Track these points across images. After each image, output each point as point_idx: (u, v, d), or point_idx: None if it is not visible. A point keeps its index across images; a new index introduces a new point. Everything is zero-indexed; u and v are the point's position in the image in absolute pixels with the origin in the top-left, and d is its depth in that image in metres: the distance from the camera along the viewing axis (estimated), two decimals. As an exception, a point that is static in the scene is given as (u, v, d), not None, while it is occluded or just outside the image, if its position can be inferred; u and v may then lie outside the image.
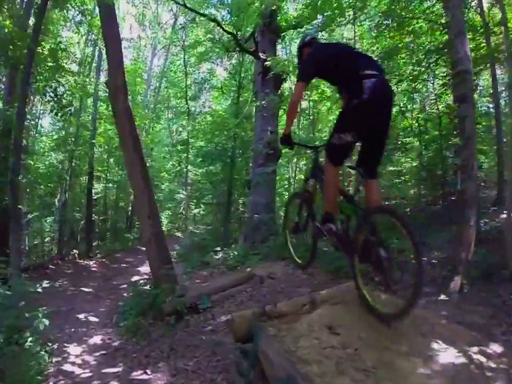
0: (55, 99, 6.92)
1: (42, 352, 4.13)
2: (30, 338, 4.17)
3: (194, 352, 3.66)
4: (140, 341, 4.47)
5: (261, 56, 9.77)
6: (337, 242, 2.44)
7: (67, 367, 4.11)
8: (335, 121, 2.34)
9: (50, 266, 9.34)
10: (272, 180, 10.18)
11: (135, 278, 8.44)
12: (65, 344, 4.62)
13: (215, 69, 15.11)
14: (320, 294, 2.95)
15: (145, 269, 9.75)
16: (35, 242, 15.34)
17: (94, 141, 11.37)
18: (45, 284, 7.03)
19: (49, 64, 6.58)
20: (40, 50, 6.39)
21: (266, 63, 9.82)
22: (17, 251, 6.27)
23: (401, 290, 2.20)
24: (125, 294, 6.88)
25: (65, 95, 7.61)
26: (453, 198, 10.63)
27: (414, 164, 12.32)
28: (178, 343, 3.99)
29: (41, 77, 6.67)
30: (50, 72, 6.68)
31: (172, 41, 14.44)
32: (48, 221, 15.78)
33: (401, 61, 11.52)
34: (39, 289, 5.97)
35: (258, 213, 9.15)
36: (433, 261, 6.06)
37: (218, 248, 9.75)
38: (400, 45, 11.46)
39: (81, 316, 5.77)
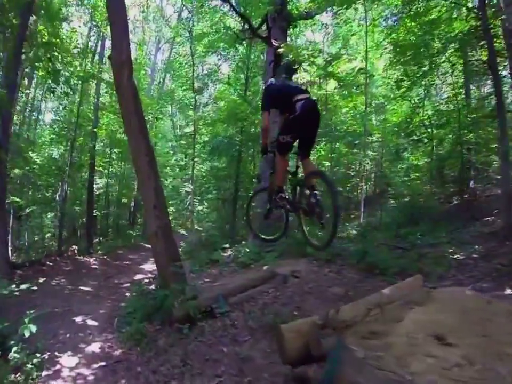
0: (52, 77, 6.12)
1: (29, 365, 3.37)
2: (14, 348, 3.41)
3: (215, 368, 2.89)
4: (146, 350, 3.70)
5: (274, 43, 9.02)
6: (288, 204, 3.26)
7: (59, 383, 3.33)
8: (280, 130, 3.19)
9: (48, 262, 8.53)
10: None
11: (138, 277, 7.65)
12: (58, 354, 3.83)
13: (221, 64, 14.34)
14: (383, 293, 2.24)
15: (149, 266, 8.98)
16: (35, 238, 14.56)
17: (95, 129, 10.50)
18: (37, 282, 6.27)
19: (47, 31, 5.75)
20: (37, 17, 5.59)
21: (279, 49, 9.09)
22: (3, 241, 5.45)
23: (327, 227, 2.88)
24: (128, 294, 6.10)
25: (62, 70, 6.78)
26: (466, 196, 10.11)
27: (421, 163, 11.78)
28: (193, 356, 3.21)
29: (37, 46, 5.86)
30: (47, 43, 5.86)
31: (177, 31, 13.63)
32: (49, 216, 14.98)
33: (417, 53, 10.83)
34: (33, 288, 5.25)
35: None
36: (474, 255, 5.38)
37: (227, 245, 8.99)
38: (417, 35, 10.80)
39: (78, 319, 4.97)
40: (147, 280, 6.93)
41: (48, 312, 5.23)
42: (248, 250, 7.50)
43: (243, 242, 8.73)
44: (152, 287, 4.98)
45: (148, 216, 4.97)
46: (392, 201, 11.58)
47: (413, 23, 10.34)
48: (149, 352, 3.63)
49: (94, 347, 4.08)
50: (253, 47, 12.72)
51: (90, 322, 4.87)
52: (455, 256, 5.49)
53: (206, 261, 7.85)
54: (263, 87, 3.63)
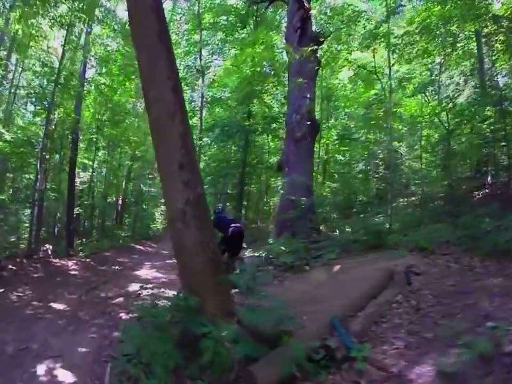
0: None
1: None
2: None
3: None
4: None
5: (305, 4, 7.07)
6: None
7: None
8: (220, 242, 4.62)
9: (10, 266, 5.93)
10: (310, 157, 7.46)
11: (133, 287, 5.16)
12: None
13: (228, 40, 12.36)
14: None
15: (146, 272, 6.55)
16: (12, 239, 11.63)
17: (80, 90, 7.77)
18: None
19: None
20: None
21: (310, 12, 7.17)
22: None
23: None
24: (123, 315, 3.74)
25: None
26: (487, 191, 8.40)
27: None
28: None
29: None
30: None
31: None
32: (26, 214, 12.12)
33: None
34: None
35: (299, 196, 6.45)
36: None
37: (244, 245, 6.84)
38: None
39: (41, 368, 2.60)
40: (146, 292, 4.61)
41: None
42: (284, 248, 5.36)
43: (270, 240, 6.55)
44: (174, 312, 2.63)
45: (169, 183, 2.71)
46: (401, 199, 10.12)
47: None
48: None
49: None
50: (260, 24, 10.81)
51: (62, 374, 2.51)
52: None
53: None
54: (215, 211, 5.17)
